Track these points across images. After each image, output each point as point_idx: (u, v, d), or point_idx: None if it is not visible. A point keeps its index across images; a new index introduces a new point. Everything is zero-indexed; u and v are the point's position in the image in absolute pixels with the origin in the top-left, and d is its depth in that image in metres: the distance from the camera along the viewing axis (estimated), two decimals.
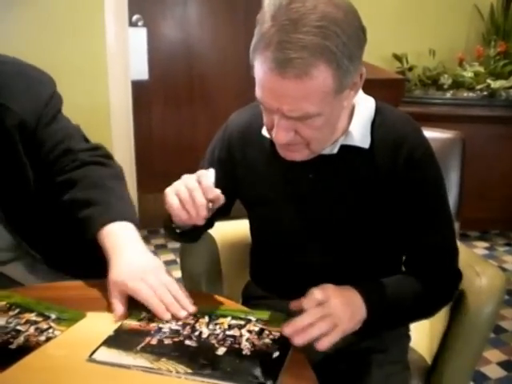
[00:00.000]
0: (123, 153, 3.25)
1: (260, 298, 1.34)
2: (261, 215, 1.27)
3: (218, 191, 1.04)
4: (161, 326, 1.04)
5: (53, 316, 1.11)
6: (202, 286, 1.52)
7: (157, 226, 3.48)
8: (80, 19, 2.93)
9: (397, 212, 1.14)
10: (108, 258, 1.16)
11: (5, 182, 1.33)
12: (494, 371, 2.25)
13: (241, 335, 1.02)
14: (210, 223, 1.26)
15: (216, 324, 1.05)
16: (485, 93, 3.35)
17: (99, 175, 1.31)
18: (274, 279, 1.31)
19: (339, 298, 1.01)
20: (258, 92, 1.02)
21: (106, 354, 0.96)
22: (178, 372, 0.91)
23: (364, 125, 1.12)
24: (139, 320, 1.06)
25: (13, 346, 1.01)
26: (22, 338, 1.03)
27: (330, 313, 0.98)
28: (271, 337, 1.02)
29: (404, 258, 1.24)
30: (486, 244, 3.42)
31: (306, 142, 1.04)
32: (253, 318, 1.08)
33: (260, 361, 0.94)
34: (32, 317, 1.10)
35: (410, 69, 3.54)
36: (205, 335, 1.01)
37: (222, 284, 1.58)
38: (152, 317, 1.07)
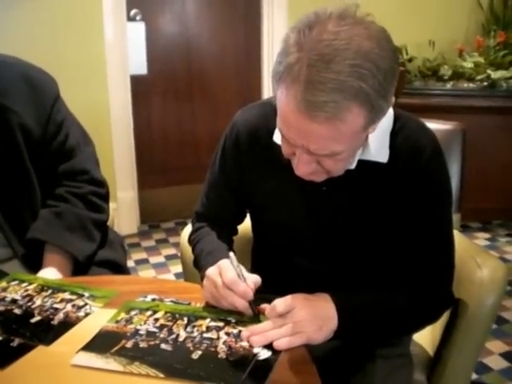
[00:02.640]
0: (123, 148, 3.25)
1: (259, 293, 1.33)
2: (266, 220, 1.25)
3: (251, 287, 1.05)
4: (138, 327, 1.03)
5: (86, 294, 1.14)
6: None
7: (157, 220, 3.49)
8: (78, 14, 2.92)
9: (402, 227, 1.11)
10: None
11: (6, 182, 1.33)
12: (496, 362, 2.25)
13: (218, 338, 1.00)
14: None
15: (194, 326, 1.03)
16: (485, 83, 3.34)
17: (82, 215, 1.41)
18: (274, 278, 1.29)
19: (306, 308, 1.00)
20: (281, 126, 0.95)
21: (84, 358, 0.94)
22: (148, 375, 0.90)
23: (382, 136, 1.08)
24: (116, 322, 1.05)
25: (54, 322, 1.04)
26: (61, 315, 1.07)
27: (291, 322, 0.98)
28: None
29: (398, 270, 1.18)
30: (487, 235, 3.42)
31: (327, 171, 1.00)
32: (232, 320, 1.05)
33: (235, 365, 0.93)
34: (66, 296, 1.14)
35: (410, 60, 3.53)
36: (181, 338, 1.00)
37: None
38: (130, 318, 1.06)
